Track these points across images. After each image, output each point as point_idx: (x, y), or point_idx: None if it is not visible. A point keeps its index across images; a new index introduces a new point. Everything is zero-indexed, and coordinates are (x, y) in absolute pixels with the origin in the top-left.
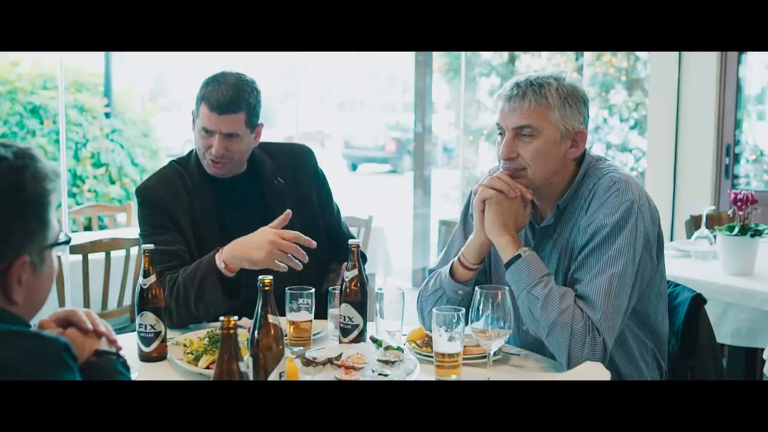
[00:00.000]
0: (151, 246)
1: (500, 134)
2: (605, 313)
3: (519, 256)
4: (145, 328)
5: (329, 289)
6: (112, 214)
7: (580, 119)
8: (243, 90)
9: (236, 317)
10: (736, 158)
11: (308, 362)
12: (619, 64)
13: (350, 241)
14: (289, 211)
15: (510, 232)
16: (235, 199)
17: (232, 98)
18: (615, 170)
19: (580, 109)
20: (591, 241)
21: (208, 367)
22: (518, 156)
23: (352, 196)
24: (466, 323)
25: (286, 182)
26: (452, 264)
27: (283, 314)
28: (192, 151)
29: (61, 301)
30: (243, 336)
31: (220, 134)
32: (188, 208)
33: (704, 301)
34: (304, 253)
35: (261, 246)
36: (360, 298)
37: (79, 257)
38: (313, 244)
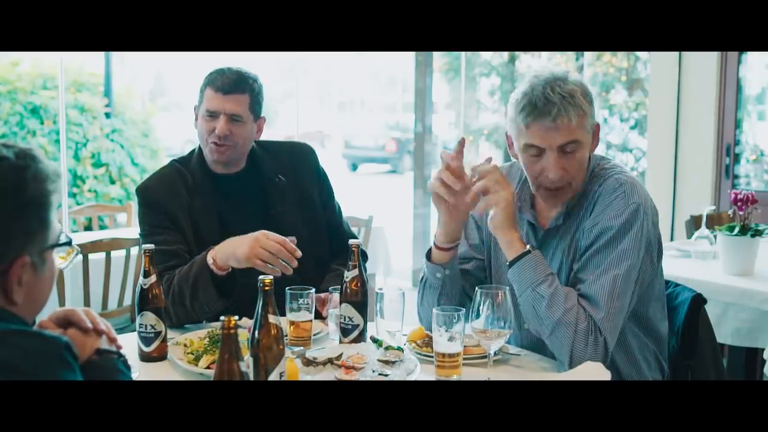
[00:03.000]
0: (151, 246)
1: (534, 155)
2: (608, 313)
3: (527, 253)
4: (146, 328)
5: (329, 289)
6: (113, 214)
7: (595, 113)
8: (247, 77)
9: (237, 317)
10: (737, 158)
11: (308, 362)
12: (619, 64)
13: (351, 240)
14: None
15: (517, 230)
16: (236, 198)
17: (237, 80)
18: (620, 172)
19: (593, 103)
20: (596, 242)
21: (208, 367)
22: (567, 173)
23: (352, 196)
24: (466, 323)
25: (287, 180)
26: (429, 249)
27: (283, 314)
28: (193, 150)
29: (62, 301)
30: (243, 336)
31: (225, 115)
32: (188, 207)
33: (704, 301)
34: (290, 255)
35: (245, 242)
36: (360, 298)
37: (79, 257)
38: (298, 253)
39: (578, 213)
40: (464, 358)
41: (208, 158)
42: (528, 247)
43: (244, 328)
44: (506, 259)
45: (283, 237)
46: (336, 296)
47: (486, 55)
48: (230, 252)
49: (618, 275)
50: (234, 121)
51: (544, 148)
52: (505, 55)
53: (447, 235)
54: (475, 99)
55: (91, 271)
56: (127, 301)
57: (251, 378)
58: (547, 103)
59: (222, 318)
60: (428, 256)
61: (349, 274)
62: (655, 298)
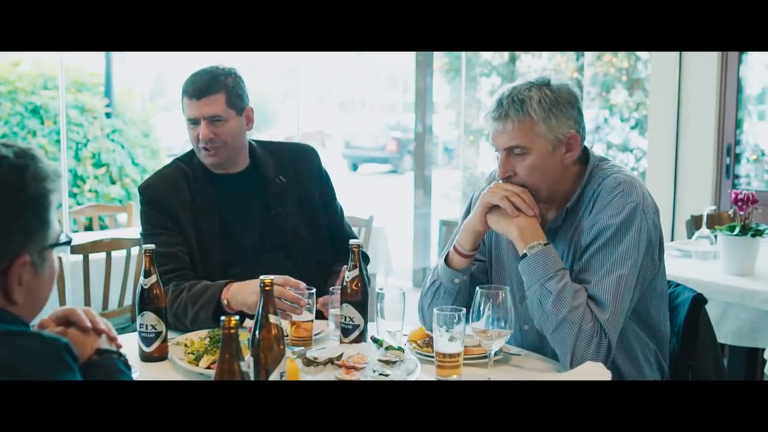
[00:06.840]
0: (152, 246)
1: (496, 151)
2: (613, 314)
3: (532, 249)
4: (146, 328)
5: (330, 288)
6: (113, 214)
7: (570, 123)
8: (218, 74)
9: (237, 317)
10: (737, 158)
11: (309, 362)
12: (619, 64)
13: (351, 241)
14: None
15: (517, 227)
16: (237, 197)
17: (207, 82)
18: (619, 171)
19: (569, 113)
20: (595, 241)
21: (209, 367)
22: (515, 174)
23: (352, 196)
24: (467, 323)
25: (288, 181)
26: (448, 252)
27: None
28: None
29: (62, 301)
30: (244, 336)
31: (204, 119)
32: (190, 205)
33: (705, 301)
34: (297, 296)
35: (256, 290)
36: (361, 298)
37: (79, 257)
38: (301, 285)
39: (577, 213)
40: (464, 358)
41: (203, 162)
42: (535, 242)
43: (245, 328)
44: (507, 261)
45: (284, 276)
46: (337, 295)
47: (486, 55)
48: (243, 299)
49: (622, 276)
50: (215, 123)
51: (498, 149)
52: (506, 55)
53: (474, 242)
54: (475, 99)
55: (92, 271)
56: (128, 301)
57: (252, 378)
58: (498, 107)
59: (223, 318)
60: (447, 261)
61: (349, 275)
62: (657, 297)
